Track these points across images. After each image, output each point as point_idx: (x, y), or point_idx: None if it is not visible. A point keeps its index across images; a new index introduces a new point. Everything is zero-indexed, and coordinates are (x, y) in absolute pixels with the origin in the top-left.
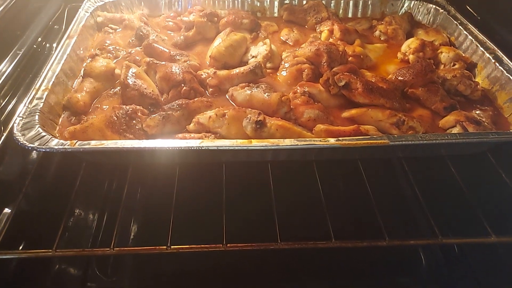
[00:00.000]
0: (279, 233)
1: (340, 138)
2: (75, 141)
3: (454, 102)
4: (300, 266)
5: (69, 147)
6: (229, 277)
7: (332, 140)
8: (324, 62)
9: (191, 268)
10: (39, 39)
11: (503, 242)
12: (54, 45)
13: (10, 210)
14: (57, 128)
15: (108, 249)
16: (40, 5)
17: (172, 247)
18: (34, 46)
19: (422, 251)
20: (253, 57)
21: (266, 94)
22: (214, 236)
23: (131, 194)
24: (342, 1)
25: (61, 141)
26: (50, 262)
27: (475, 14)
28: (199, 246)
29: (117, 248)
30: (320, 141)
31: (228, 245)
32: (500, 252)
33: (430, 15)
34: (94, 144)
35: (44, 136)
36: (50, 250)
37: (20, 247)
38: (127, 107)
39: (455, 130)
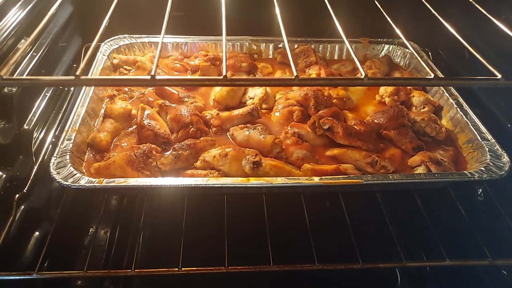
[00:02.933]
0: (272, 256)
1: (323, 178)
2: (102, 179)
3: (421, 143)
4: (289, 285)
5: (97, 184)
6: None
7: (316, 179)
8: (311, 105)
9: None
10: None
11: (457, 265)
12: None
13: (43, 236)
14: (84, 164)
15: (129, 270)
16: (65, 44)
17: (183, 269)
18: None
19: (398, 270)
20: (250, 98)
21: (262, 136)
22: (218, 259)
23: (147, 222)
24: (329, 45)
25: (91, 178)
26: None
27: (445, 58)
28: (205, 268)
29: (138, 270)
30: (306, 179)
31: (230, 267)
32: (456, 274)
33: (406, 58)
34: (118, 181)
35: (76, 174)
36: (82, 272)
37: (49, 265)
38: (144, 147)
39: (420, 169)
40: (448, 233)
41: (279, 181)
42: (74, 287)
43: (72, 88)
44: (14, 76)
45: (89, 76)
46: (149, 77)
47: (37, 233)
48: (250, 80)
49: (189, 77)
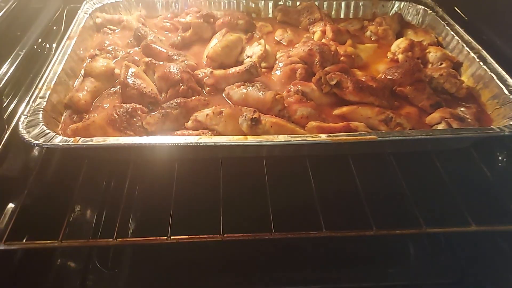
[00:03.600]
0: (273, 224)
1: (331, 134)
2: (78, 138)
3: (440, 99)
4: (293, 255)
5: (73, 143)
6: (226, 266)
7: (323, 136)
8: (316, 62)
9: (190, 258)
10: (39, 40)
11: (483, 231)
12: (54, 45)
13: (14, 205)
14: (60, 126)
15: (111, 239)
16: (40, 6)
17: (172, 237)
18: (35, 47)
19: (410, 242)
20: (248, 57)
21: (261, 92)
22: (212, 228)
23: (132, 189)
24: (334, 2)
25: (65, 138)
26: (52, 255)
27: (462, 15)
28: (198, 236)
29: (120, 239)
30: (312, 137)
31: (225, 235)
32: (481, 241)
33: (419, 15)
34: (96, 140)
35: (48, 133)
36: (56, 241)
37: (24, 240)
38: (128, 105)
39: (440, 127)
40: (472, 197)
41: (281, 138)
42: (62, 258)
43: (53, 47)
44: None
45: None
46: None
47: (10, 204)
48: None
49: None
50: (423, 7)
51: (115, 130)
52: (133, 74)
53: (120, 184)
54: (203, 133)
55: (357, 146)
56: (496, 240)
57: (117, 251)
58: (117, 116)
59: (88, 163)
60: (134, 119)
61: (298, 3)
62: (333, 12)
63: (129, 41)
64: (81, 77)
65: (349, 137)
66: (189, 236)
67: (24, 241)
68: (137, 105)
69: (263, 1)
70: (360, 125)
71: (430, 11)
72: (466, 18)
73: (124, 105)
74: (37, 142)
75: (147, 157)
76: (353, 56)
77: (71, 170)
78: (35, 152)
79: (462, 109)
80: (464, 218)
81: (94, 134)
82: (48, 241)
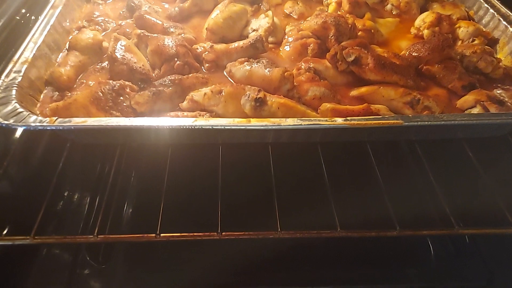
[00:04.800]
0: (279, 221)
1: (348, 118)
2: (55, 118)
3: (473, 80)
4: (302, 256)
5: (48, 124)
6: (224, 268)
7: (339, 120)
8: (331, 36)
9: (183, 257)
10: (23, 10)
11: None
12: (40, 17)
13: None
14: (38, 104)
15: (91, 236)
16: None
17: (161, 235)
18: (17, 17)
19: (431, 241)
20: (254, 30)
21: (267, 69)
22: (209, 224)
23: (117, 177)
24: None
25: (40, 118)
26: (38, 247)
27: None
28: (192, 234)
29: (101, 236)
30: (326, 121)
31: (224, 233)
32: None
33: None
34: (75, 121)
35: (21, 112)
36: (28, 237)
37: (5, 232)
38: (114, 83)
39: (475, 111)
40: (510, 194)
41: (290, 122)
42: (40, 254)
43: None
44: None
45: None
46: None
47: None
48: None
49: None
50: None
51: (99, 110)
52: (123, 47)
53: (105, 172)
54: (199, 115)
55: (379, 131)
56: None
57: (109, 245)
58: (101, 94)
59: (70, 147)
60: (122, 97)
61: None
62: None
63: (121, 12)
64: (66, 51)
65: (370, 121)
66: (182, 234)
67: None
68: (126, 82)
69: None
70: (382, 108)
71: None
72: None
73: (111, 82)
74: (5, 122)
75: (135, 141)
76: (372, 30)
77: (50, 155)
78: (15, 133)
79: (499, 91)
80: (504, 218)
81: (76, 114)
82: (19, 237)
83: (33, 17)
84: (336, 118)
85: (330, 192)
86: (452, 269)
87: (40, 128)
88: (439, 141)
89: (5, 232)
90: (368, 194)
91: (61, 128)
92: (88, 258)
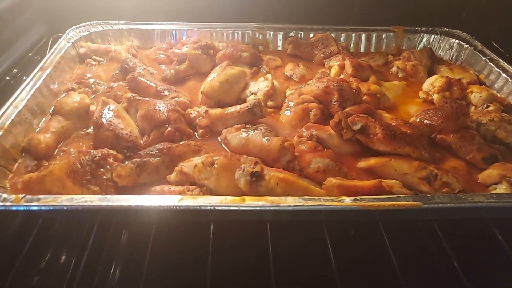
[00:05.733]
0: None
1: (357, 198)
2: (21, 195)
3: (495, 152)
4: None
5: (11, 204)
6: None
7: (347, 200)
8: (334, 101)
9: None
10: (14, 70)
11: None
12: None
13: None
14: (10, 175)
15: None
16: (17, 33)
17: None
18: (7, 78)
19: None
20: (252, 94)
21: (266, 138)
22: None
23: (94, 257)
24: (353, 34)
25: (4, 195)
26: None
27: (502, 51)
28: None
29: None
30: (333, 200)
31: None
32: None
33: (452, 50)
34: (45, 200)
35: None
36: None
37: None
38: (96, 152)
39: (501, 188)
40: None
41: (290, 202)
42: None
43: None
44: None
45: None
46: None
47: None
48: None
49: None
50: (457, 41)
51: (75, 183)
52: (110, 112)
53: (80, 251)
54: (188, 190)
55: (394, 213)
56: None
57: None
58: (80, 166)
59: (42, 224)
60: (102, 169)
61: (311, 35)
62: (352, 45)
63: (114, 74)
64: (49, 115)
65: (384, 202)
66: None
67: None
68: (110, 151)
69: (271, 32)
70: (395, 184)
71: (467, 45)
72: (507, 55)
73: (92, 151)
74: None
75: (114, 220)
76: (378, 95)
77: (21, 229)
78: None
79: None
80: None
81: (50, 188)
82: None
83: (24, 78)
84: (343, 198)
85: (338, 278)
86: None
87: (1, 209)
88: (461, 219)
89: None
90: (379, 273)
91: (25, 209)
92: None
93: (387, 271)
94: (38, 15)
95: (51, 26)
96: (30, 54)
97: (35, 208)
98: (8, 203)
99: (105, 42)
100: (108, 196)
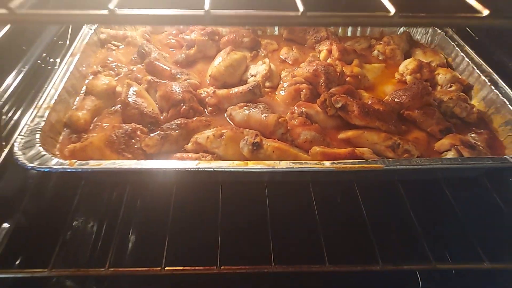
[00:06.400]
0: (273, 255)
1: (335, 162)
2: (74, 161)
3: (449, 125)
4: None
5: (68, 167)
6: None
7: (327, 163)
8: (322, 83)
9: None
10: (44, 54)
11: (497, 269)
12: (58, 60)
13: (8, 226)
14: (57, 145)
15: (103, 269)
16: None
17: (166, 268)
18: (39, 61)
19: (419, 274)
20: (252, 76)
21: (264, 115)
22: (209, 258)
23: (128, 212)
24: None
25: (61, 160)
26: (47, 280)
27: (473, 34)
28: (193, 268)
29: (112, 269)
30: (316, 164)
31: (222, 267)
32: (496, 279)
33: (428, 35)
34: (92, 164)
35: (44, 155)
36: (46, 270)
37: (17, 262)
38: (127, 126)
39: (450, 154)
40: (484, 230)
41: (283, 165)
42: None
43: (57, 62)
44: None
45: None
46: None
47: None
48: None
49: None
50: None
51: (113, 152)
52: (134, 93)
53: (116, 208)
54: (202, 157)
55: (362, 174)
56: None
57: (115, 277)
58: (115, 138)
59: (84, 185)
60: (133, 140)
61: None
62: (340, 30)
63: (133, 58)
64: (82, 95)
65: (354, 165)
66: (184, 268)
67: (17, 264)
68: (137, 126)
69: None
70: (366, 151)
71: (440, 31)
72: (477, 38)
73: (123, 126)
74: (31, 164)
75: (144, 180)
76: (359, 76)
77: (66, 192)
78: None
79: (473, 135)
80: (477, 255)
81: (91, 155)
82: (38, 270)
83: (51, 60)
84: (324, 162)
85: (320, 227)
86: None
87: (61, 170)
88: (420, 181)
89: (18, 262)
90: (355, 229)
91: (80, 170)
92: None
93: (360, 226)
94: (59, 3)
95: None
96: (55, 38)
97: (88, 169)
98: (66, 166)
99: (121, 28)
100: (141, 161)
